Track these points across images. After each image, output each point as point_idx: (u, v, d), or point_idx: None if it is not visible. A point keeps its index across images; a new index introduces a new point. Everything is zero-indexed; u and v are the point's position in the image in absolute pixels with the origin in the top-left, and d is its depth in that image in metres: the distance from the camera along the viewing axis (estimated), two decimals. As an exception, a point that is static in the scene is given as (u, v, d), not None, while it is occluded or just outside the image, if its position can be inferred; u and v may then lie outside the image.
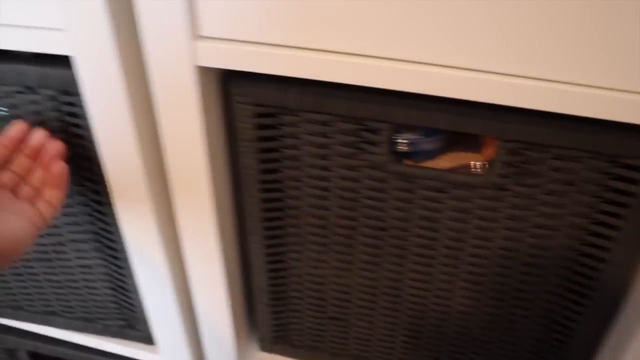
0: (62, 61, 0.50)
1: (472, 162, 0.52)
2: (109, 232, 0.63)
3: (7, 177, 0.51)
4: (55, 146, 0.53)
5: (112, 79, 0.48)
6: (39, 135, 0.52)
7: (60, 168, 0.52)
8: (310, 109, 0.49)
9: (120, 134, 0.52)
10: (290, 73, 0.46)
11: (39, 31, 0.48)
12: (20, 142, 0.52)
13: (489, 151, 0.51)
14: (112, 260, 0.66)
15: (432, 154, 0.53)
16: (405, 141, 0.50)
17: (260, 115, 0.51)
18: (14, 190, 0.52)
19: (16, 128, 0.52)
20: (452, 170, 0.51)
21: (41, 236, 0.66)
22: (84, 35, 0.46)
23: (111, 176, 0.56)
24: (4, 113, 0.54)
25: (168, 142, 0.53)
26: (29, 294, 0.75)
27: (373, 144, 0.50)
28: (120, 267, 0.67)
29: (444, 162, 0.53)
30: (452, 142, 0.53)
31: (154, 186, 0.56)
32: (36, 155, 0.52)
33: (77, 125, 0.55)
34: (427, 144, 0.51)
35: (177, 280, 0.65)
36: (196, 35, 0.45)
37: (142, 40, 0.46)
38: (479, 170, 0.51)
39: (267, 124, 0.52)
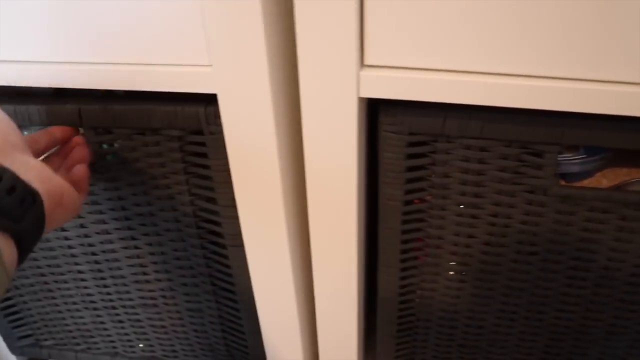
0: (191, 100, 0.47)
1: (633, 178, 0.50)
2: (227, 274, 0.60)
3: None
4: (82, 152, 0.51)
5: (260, 114, 0.46)
6: (75, 140, 0.51)
7: (82, 172, 0.49)
8: (473, 135, 0.46)
9: (263, 170, 0.49)
10: (454, 99, 0.44)
11: (182, 69, 0.45)
12: (59, 142, 0.51)
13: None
14: (226, 302, 0.63)
15: (590, 173, 0.50)
16: (572, 161, 0.48)
17: (411, 145, 0.49)
18: None
19: (62, 130, 0.50)
20: (619, 189, 0.49)
21: (149, 281, 0.63)
22: (235, 72, 0.44)
23: (245, 217, 0.52)
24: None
25: (314, 178, 0.50)
26: (129, 340, 0.71)
27: (537, 167, 0.47)
28: (235, 310, 0.63)
29: (603, 180, 0.50)
30: (612, 159, 0.50)
31: (292, 227, 0.53)
32: (65, 157, 0.51)
33: (202, 166, 0.52)
34: (590, 164, 0.48)
35: (303, 316, 0.62)
36: (362, 65, 0.43)
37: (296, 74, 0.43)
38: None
39: (417, 153, 0.49)
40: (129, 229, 0.58)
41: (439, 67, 0.42)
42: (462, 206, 0.51)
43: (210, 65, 0.45)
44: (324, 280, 0.57)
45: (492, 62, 0.41)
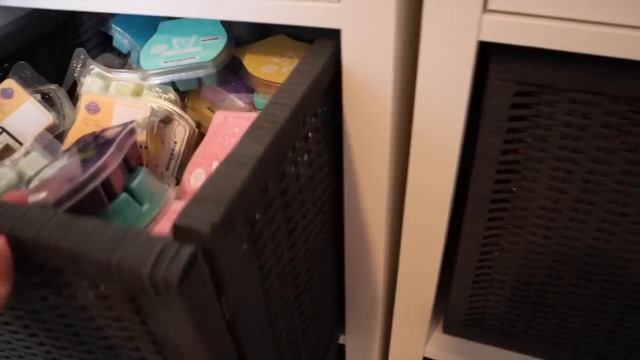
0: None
1: None
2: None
3: None
4: None
5: (381, 52, 0.49)
6: None
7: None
8: (582, 88, 0.48)
9: (376, 109, 0.53)
10: (571, 48, 0.46)
11: (310, 3, 0.49)
12: None
13: None
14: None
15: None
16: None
17: (517, 94, 0.51)
18: None
19: None
20: None
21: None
22: (362, 9, 0.48)
23: (351, 149, 0.57)
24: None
25: (422, 119, 0.53)
26: None
27: (641, 126, 0.49)
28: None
29: None
30: None
31: (393, 165, 0.57)
32: None
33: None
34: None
35: (388, 255, 0.66)
36: (485, 9, 0.46)
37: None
38: None
39: (522, 103, 0.52)
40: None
41: (559, 15, 0.45)
42: (558, 160, 0.53)
43: (338, 1, 0.49)
44: (413, 224, 0.61)
45: (614, 12, 0.43)
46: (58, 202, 0.41)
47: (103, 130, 0.51)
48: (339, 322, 0.77)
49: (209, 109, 0.63)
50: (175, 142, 0.58)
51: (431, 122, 0.54)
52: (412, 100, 0.54)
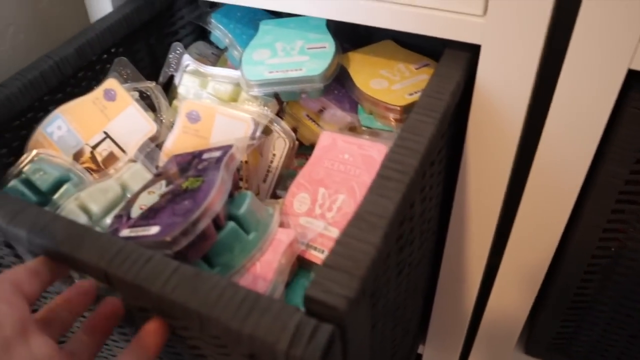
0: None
1: None
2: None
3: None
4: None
5: (522, 70, 0.46)
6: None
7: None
8: None
9: (504, 125, 0.50)
10: None
11: (452, 16, 0.47)
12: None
13: None
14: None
15: None
16: None
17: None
18: None
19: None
20: None
21: None
22: (508, 26, 0.45)
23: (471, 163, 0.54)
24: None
25: (549, 141, 0.50)
26: None
27: None
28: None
29: None
30: None
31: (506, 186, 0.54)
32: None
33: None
34: None
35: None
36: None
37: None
38: None
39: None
40: None
41: None
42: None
43: (482, 16, 0.45)
44: (518, 250, 0.58)
45: None
46: (174, 241, 0.40)
47: (201, 152, 0.49)
48: (419, 333, 0.76)
49: (307, 116, 0.61)
50: (274, 155, 0.56)
51: (558, 147, 0.50)
52: (532, 120, 0.50)
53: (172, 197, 0.45)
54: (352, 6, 0.50)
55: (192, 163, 0.49)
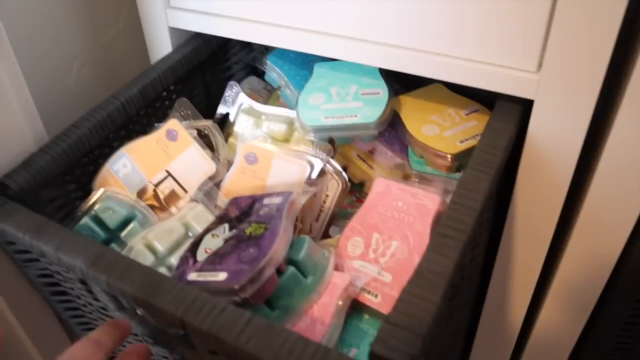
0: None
1: None
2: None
3: None
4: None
5: (574, 129, 0.48)
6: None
7: None
8: None
9: (555, 176, 0.51)
10: None
11: (504, 71, 0.49)
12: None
13: None
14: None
15: None
16: None
17: None
18: None
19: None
20: None
21: None
22: (563, 82, 0.46)
23: (517, 214, 0.55)
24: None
25: (598, 195, 0.51)
26: None
27: None
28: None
29: None
30: None
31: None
32: None
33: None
34: None
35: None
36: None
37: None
38: None
39: None
40: None
41: None
42: None
43: (536, 72, 0.47)
44: (564, 286, 0.59)
45: None
46: (242, 289, 0.42)
47: (262, 197, 0.52)
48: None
49: (358, 156, 0.63)
50: (327, 196, 0.58)
51: (609, 194, 0.51)
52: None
53: (237, 243, 0.47)
54: (406, 58, 0.52)
55: (253, 207, 0.51)
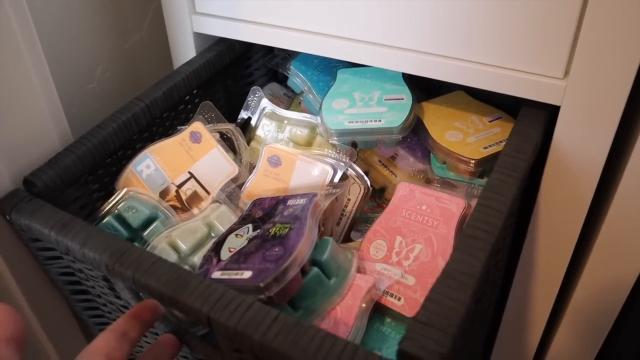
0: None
1: None
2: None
3: None
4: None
5: (600, 136, 0.48)
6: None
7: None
8: None
9: (579, 183, 0.51)
10: None
11: (531, 77, 0.49)
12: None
13: None
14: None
15: None
16: None
17: None
18: None
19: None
20: None
21: None
22: (589, 88, 0.46)
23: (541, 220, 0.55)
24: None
25: (623, 202, 0.50)
26: None
27: None
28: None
29: None
30: None
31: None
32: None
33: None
34: None
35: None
36: None
37: None
38: None
39: None
40: None
41: None
42: None
43: (563, 79, 0.47)
44: (584, 302, 0.59)
45: None
46: (267, 287, 0.42)
47: (285, 198, 0.52)
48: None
49: (379, 161, 0.63)
50: (349, 200, 0.58)
51: (629, 209, 0.51)
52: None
53: (261, 243, 0.47)
54: (431, 63, 0.53)
55: (277, 208, 0.51)
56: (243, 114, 0.68)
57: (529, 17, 0.46)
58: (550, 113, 0.51)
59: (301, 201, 0.50)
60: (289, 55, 0.70)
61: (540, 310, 0.63)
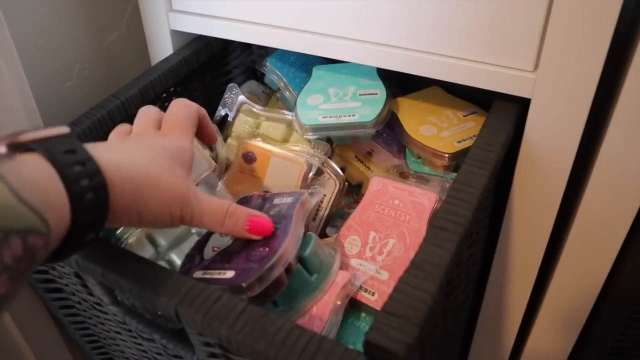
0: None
1: None
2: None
3: None
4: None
5: (570, 128, 0.49)
6: None
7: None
8: None
9: (550, 175, 0.52)
10: None
11: (503, 70, 0.49)
12: None
13: None
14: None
15: None
16: None
17: None
18: None
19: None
20: None
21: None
22: (559, 81, 0.47)
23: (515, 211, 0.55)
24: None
25: (593, 197, 0.51)
26: None
27: None
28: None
29: None
30: None
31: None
32: None
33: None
34: None
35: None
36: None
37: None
38: None
39: None
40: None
41: None
42: None
43: (533, 72, 0.47)
44: (558, 297, 0.59)
45: None
46: (249, 287, 0.41)
47: (272, 196, 0.52)
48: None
49: (356, 157, 0.63)
50: (325, 195, 0.58)
51: (601, 201, 0.52)
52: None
53: (246, 242, 0.46)
54: (403, 58, 0.53)
55: (263, 207, 0.51)
56: (220, 111, 0.68)
57: (499, 10, 0.47)
58: (522, 106, 0.52)
59: (287, 200, 0.50)
60: (265, 53, 0.70)
61: (516, 305, 0.63)
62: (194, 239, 0.53)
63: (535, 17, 0.45)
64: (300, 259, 0.47)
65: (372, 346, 0.35)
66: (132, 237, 0.51)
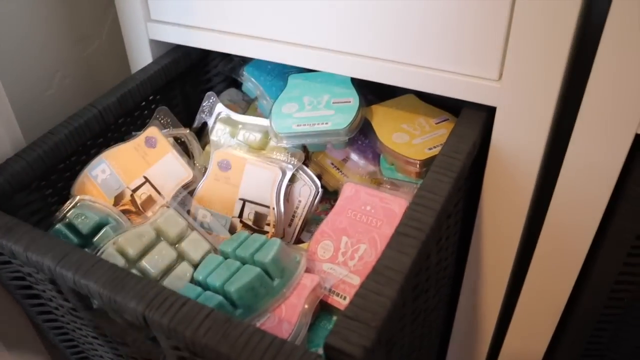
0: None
1: None
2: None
3: None
4: None
5: (535, 135, 0.50)
6: None
7: None
8: None
9: (518, 181, 0.53)
10: None
11: (468, 79, 0.50)
12: None
13: None
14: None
15: None
16: None
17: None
18: None
19: None
20: None
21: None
22: (524, 90, 0.48)
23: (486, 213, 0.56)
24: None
25: (562, 197, 0.52)
26: None
27: None
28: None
29: None
30: None
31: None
32: None
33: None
34: None
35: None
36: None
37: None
38: None
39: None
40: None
41: None
42: None
43: (497, 80, 0.48)
44: (530, 300, 0.60)
45: None
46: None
47: None
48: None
49: (332, 164, 0.64)
50: (300, 201, 0.59)
51: (569, 205, 0.52)
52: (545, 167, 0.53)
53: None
54: (375, 67, 0.54)
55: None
56: (199, 119, 0.69)
57: (464, 21, 0.48)
58: (489, 114, 0.53)
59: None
60: (243, 61, 0.71)
61: (490, 308, 0.64)
62: (163, 246, 0.53)
63: (498, 27, 0.47)
64: (262, 265, 0.48)
65: (331, 349, 0.36)
66: (106, 247, 0.52)
